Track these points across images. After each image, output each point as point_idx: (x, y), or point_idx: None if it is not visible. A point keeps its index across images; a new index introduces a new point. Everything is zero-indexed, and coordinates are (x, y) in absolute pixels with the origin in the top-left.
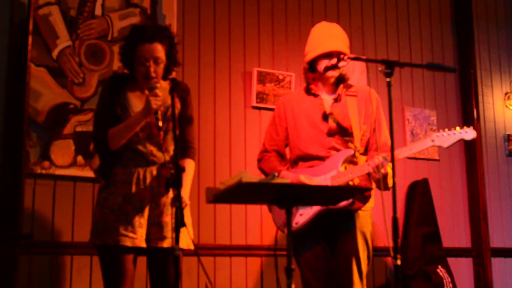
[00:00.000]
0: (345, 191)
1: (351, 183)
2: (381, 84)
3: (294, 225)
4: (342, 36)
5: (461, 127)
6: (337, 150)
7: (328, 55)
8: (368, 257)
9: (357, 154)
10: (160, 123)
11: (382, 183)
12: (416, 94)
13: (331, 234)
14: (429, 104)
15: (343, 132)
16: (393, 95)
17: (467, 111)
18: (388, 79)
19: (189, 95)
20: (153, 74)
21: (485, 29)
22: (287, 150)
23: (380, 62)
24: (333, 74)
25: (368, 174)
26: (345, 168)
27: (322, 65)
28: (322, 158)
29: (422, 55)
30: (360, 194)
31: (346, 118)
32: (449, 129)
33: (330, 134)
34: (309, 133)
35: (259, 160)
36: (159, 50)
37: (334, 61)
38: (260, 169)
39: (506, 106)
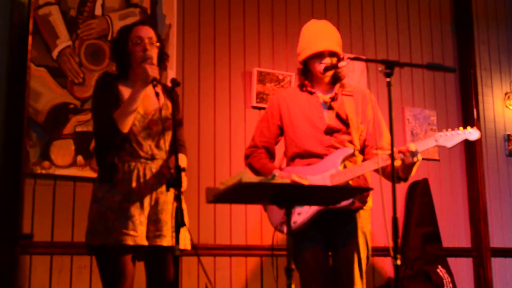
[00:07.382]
0: (345, 191)
1: (350, 182)
2: (381, 84)
3: (292, 224)
4: (333, 34)
5: (464, 127)
6: (336, 148)
7: (319, 55)
8: (367, 257)
9: (356, 153)
10: (158, 89)
11: (408, 171)
12: (416, 94)
13: (331, 235)
14: (429, 104)
15: (341, 131)
16: (393, 95)
17: (467, 111)
18: (388, 79)
19: (178, 98)
20: (149, 53)
21: (485, 29)
22: (276, 148)
23: (380, 62)
24: (327, 72)
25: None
26: (344, 167)
27: (314, 65)
28: (320, 156)
29: (422, 55)
30: (360, 194)
31: (344, 116)
32: (452, 129)
33: (328, 132)
34: (305, 130)
35: (247, 156)
36: (152, 32)
37: (329, 60)
38: (249, 165)
39: (506, 106)
